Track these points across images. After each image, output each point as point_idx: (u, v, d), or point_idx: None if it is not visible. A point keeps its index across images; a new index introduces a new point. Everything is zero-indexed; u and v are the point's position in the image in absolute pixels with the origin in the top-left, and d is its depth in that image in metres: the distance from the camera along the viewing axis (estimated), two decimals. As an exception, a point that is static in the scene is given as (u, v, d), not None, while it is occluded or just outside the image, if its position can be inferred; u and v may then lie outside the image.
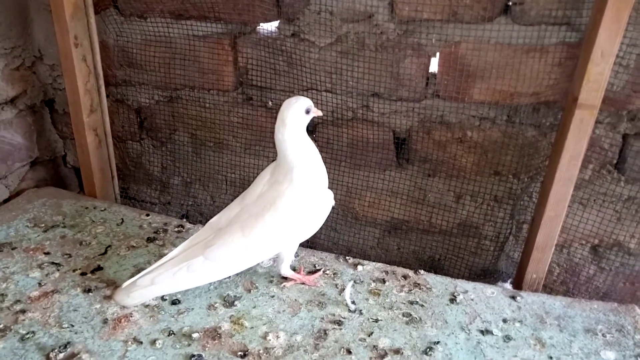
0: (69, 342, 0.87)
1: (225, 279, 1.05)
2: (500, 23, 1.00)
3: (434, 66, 1.09)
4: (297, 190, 0.95)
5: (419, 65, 1.08)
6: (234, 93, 1.24)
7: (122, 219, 1.23)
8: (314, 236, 1.34)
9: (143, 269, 1.05)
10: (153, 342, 0.89)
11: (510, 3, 0.98)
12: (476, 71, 1.04)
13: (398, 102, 1.13)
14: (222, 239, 0.95)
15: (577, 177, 0.98)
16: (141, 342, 0.89)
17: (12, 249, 1.11)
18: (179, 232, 1.20)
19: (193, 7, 1.15)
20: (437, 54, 1.06)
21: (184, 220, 1.27)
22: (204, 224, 1.18)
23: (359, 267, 1.11)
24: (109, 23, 1.23)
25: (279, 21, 1.14)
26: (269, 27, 1.16)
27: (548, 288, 1.20)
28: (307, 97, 1.17)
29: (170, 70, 1.24)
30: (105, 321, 0.93)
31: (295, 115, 0.94)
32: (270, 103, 1.22)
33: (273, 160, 1.27)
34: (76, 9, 1.12)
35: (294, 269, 1.08)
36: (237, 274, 1.06)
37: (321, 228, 1.32)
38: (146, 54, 1.23)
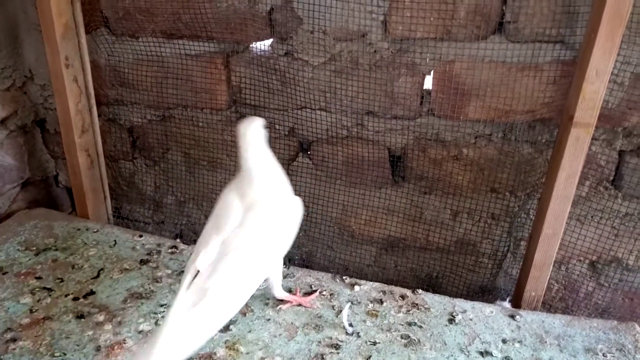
0: (60, 372, 0.86)
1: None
2: (494, 41, 1.00)
3: (428, 84, 1.09)
4: (271, 202, 0.92)
5: (413, 83, 1.07)
6: (227, 112, 1.23)
7: (115, 240, 1.21)
8: (311, 255, 1.34)
9: (136, 293, 1.04)
10: (147, 370, 0.87)
11: (504, 21, 0.98)
12: (471, 89, 1.04)
13: (393, 120, 1.12)
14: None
15: (574, 194, 0.98)
16: (135, 371, 0.87)
17: (3, 273, 1.09)
18: (172, 252, 1.18)
19: (185, 26, 1.14)
20: (432, 72, 1.06)
21: (178, 240, 1.26)
22: (192, 245, 1.18)
23: (356, 287, 1.10)
24: (100, 43, 1.22)
25: (272, 40, 1.13)
26: (262, 46, 1.15)
27: (547, 305, 1.19)
28: (301, 115, 1.17)
29: (162, 89, 1.23)
30: (98, 348, 0.91)
31: (257, 132, 0.94)
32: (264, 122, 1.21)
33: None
34: (67, 29, 1.11)
35: (289, 291, 1.07)
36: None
37: (317, 247, 1.32)
38: (138, 73, 1.22)
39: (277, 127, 1.20)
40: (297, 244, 1.33)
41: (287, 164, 1.24)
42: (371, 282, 1.12)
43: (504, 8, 0.97)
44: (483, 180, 1.12)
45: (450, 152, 1.11)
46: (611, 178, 1.06)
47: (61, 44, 1.10)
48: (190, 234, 1.39)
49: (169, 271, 1.12)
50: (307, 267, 1.19)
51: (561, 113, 0.99)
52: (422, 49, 1.04)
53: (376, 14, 1.02)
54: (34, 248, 1.17)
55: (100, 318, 0.98)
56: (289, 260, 1.20)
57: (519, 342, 0.97)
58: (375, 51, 1.06)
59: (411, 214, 1.20)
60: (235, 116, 1.23)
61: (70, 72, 1.14)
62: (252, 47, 1.15)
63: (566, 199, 0.99)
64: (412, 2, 0.99)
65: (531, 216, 1.12)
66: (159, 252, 1.18)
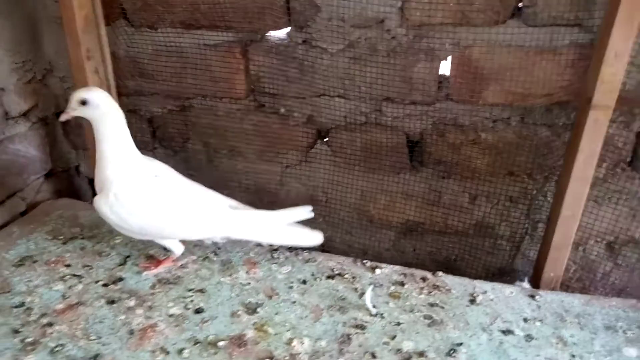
0: (97, 354, 0.89)
1: (245, 285, 1.07)
2: (512, 26, 1.01)
3: (445, 69, 1.10)
4: None
5: (431, 69, 1.08)
6: (246, 100, 1.24)
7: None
8: (329, 240, 1.36)
9: (164, 279, 1.07)
10: (180, 351, 0.90)
11: (522, 6, 0.99)
12: (489, 74, 1.05)
13: (411, 106, 1.13)
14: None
15: (592, 176, 0.99)
16: (168, 352, 0.90)
17: (34, 262, 1.12)
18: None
19: (203, 16, 1.15)
20: (449, 58, 1.07)
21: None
22: None
23: (377, 271, 1.13)
24: (119, 34, 1.23)
25: (289, 28, 1.14)
26: (280, 34, 1.16)
27: (564, 285, 1.21)
28: (319, 103, 1.19)
29: (181, 79, 1.25)
30: (131, 332, 0.94)
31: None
32: (283, 110, 1.22)
33: (287, 166, 1.30)
34: (87, 21, 1.13)
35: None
36: (257, 281, 1.08)
37: (336, 232, 1.34)
38: (157, 64, 1.24)
39: (295, 114, 1.22)
40: (316, 230, 1.35)
41: (306, 151, 1.26)
42: (391, 265, 1.15)
43: (521, -8, 0.98)
44: (501, 164, 1.14)
45: (468, 137, 1.13)
46: (628, 159, 1.07)
47: (82, 36, 1.12)
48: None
49: (194, 257, 1.15)
50: (326, 252, 1.21)
51: (579, 96, 1.00)
52: (440, 35, 1.05)
53: (394, 1, 1.04)
54: (62, 237, 1.20)
55: (131, 303, 1.01)
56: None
57: (539, 320, 0.99)
58: (393, 37, 1.07)
59: (429, 199, 1.22)
60: (253, 105, 1.25)
61: (92, 64, 1.16)
62: (270, 36, 1.17)
63: (584, 181, 1.00)
64: (430, -12, 1.00)
65: (549, 198, 1.14)
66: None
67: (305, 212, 1.10)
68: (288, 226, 1.12)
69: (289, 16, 1.12)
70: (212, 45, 1.19)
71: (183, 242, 1.11)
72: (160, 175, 1.08)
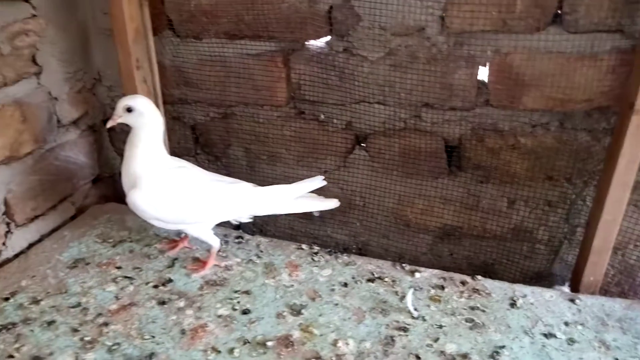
0: (152, 353, 0.93)
1: (289, 287, 1.10)
2: (552, 33, 1.02)
3: (483, 75, 1.12)
4: None
5: (471, 75, 1.10)
6: (286, 108, 1.28)
7: (184, 232, 1.28)
8: (366, 244, 1.39)
9: (210, 280, 1.11)
10: (231, 350, 0.94)
11: (562, 13, 1.00)
12: (529, 80, 1.07)
13: (449, 112, 1.15)
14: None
15: (633, 180, 1.00)
16: (220, 352, 0.94)
17: (86, 264, 1.17)
18: (239, 242, 1.25)
19: (247, 27, 1.19)
20: (489, 64, 1.09)
21: (240, 231, 1.33)
22: (257, 235, 1.29)
23: (417, 274, 1.15)
24: (166, 45, 1.28)
25: (330, 37, 1.17)
26: (320, 43, 1.19)
27: (602, 290, 1.21)
28: (358, 109, 1.22)
29: (225, 87, 1.29)
30: (183, 332, 0.98)
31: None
32: (322, 116, 1.25)
33: (325, 171, 1.33)
34: (137, 33, 1.18)
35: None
36: (299, 283, 1.12)
37: (373, 236, 1.37)
38: (201, 73, 1.29)
39: (334, 121, 1.25)
40: (353, 234, 1.39)
41: (344, 156, 1.29)
42: (430, 269, 1.17)
43: (561, 0, 0.99)
44: (540, 169, 1.15)
45: (507, 142, 1.14)
46: (669, 164, 1.08)
47: (132, 47, 1.17)
48: (249, 225, 1.45)
49: (239, 259, 1.19)
50: (362, 255, 1.24)
51: (620, 101, 1.01)
52: (480, 42, 1.07)
53: (434, 9, 1.06)
54: (111, 240, 1.25)
55: (181, 304, 1.05)
56: (344, 249, 1.26)
57: (581, 324, 1.00)
58: (433, 45, 1.10)
59: (467, 203, 1.24)
60: (293, 112, 1.28)
61: (140, 74, 1.21)
62: (311, 45, 1.20)
63: (626, 185, 1.01)
64: (470, -3, 1.02)
65: (588, 203, 1.14)
66: (226, 242, 1.24)
67: (318, 181, 1.16)
68: (306, 197, 1.18)
69: (330, 25, 1.15)
70: (255, 54, 1.23)
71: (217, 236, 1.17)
72: (185, 167, 1.15)
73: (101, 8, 1.30)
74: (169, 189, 1.09)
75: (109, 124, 1.05)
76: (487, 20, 1.03)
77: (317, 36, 1.18)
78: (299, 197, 1.17)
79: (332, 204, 1.19)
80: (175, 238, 1.26)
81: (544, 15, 1.00)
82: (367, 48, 1.14)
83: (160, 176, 1.08)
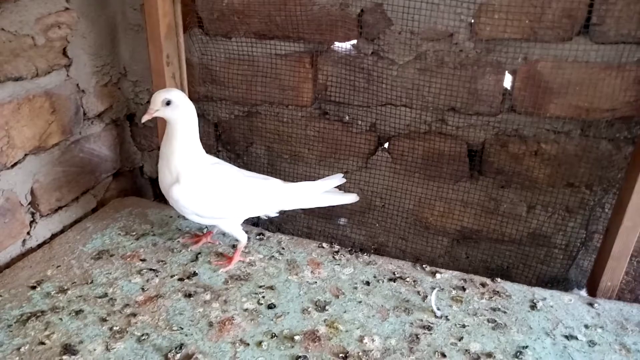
0: (182, 344, 0.94)
1: (312, 284, 1.12)
2: (579, 43, 1.05)
3: (508, 81, 1.14)
4: None
5: (497, 81, 1.13)
6: (311, 108, 1.30)
7: (207, 227, 1.29)
8: (383, 245, 1.40)
9: (235, 275, 1.13)
10: (259, 343, 0.95)
11: (590, 24, 1.03)
12: (554, 87, 1.09)
13: (474, 117, 1.18)
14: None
15: (654, 188, 1.02)
16: (248, 344, 0.95)
17: (111, 255, 1.18)
18: (260, 239, 1.27)
19: (277, 27, 1.21)
20: (515, 71, 1.11)
21: (259, 227, 1.34)
22: (275, 232, 1.31)
23: (437, 275, 1.17)
24: (194, 42, 1.30)
25: (358, 40, 1.19)
26: (349, 45, 1.21)
27: (617, 296, 1.24)
28: (383, 111, 1.24)
29: (250, 86, 1.31)
30: (210, 324, 0.99)
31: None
32: (347, 117, 1.27)
33: (346, 172, 1.35)
34: (169, 29, 1.19)
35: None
36: (322, 280, 1.13)
37: (390, 237, 1.38)
38: (229, 71, 1.30)
39: (359, 122, 1.27)
40: (371, 234, 1.40)
41: (366, 158, 1.31)
42: (450, 271, 1.19)
43: (590, 11, 1.02)
44: (561, 175, 1.17)
45: (529, 148, 1.16)
46: (688, 174, 1.10)
47: (164, 43, 1.18)
48: (266, 223, 1.47)
49: (261, 256, 1.21)
50: (380, 255, 1.25)
51: (644, 111, 1.04)
52: (508, 49, 1.09)
53: (464, 16, 1.08)
54: (134, 233, 1.26)
55: (207, 297, 1.06)
56: (361, 249, 1.27)
57: (600, 327, 1.03)
58: (461, 50, 1.12)
59: (487, 207, 1.26)
60: (318, 112, 1.30)
61: (170, 70, 1.22)
62: (339, 47, 1.22)
63: (647, 193, 1.03)
64: (501, 5, 1.04)
65: (606, 210, 1.17)
66: (248, 239, 1.25)
67: (339, 179, 1.22)
68: (328, 193, 1.22)
69: (360, 28, 1.17)
70: (283, 55, 1.25)
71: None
72: (220, 163, 1.18)
73: (131, 4, 1.32)
74: (210, 185, 1.11)
75: (145, 118, 1.06)
76: (517, 29, 1.06)
77: (347, 39, 1.20)
78: (322, 192, 1.21)
79: (352, 198, 1.24)
80: (197, 233, 1.27)
81: (573, 26, 1.03)
82: (396, 52, 1.16)
83: (201, 172, 1.10)
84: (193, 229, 1.29)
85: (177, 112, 1.06)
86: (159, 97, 1.04)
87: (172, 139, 1.08)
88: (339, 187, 1.25)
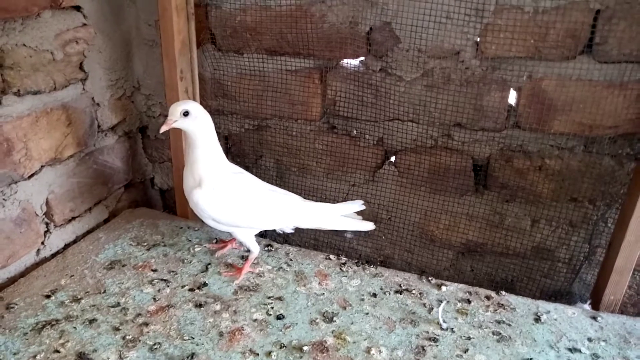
0: (193, 353, 0.96)
1: (320, 295, 1.14)
2: (582, 61, 1.08)
3: (512, 98, 1.17)
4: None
5: (502, 98, 1.16)
6: (319, 122, 1.33)
7: (216, 239, 1.32)
8: (389, 257, 1.43)
9: (244, 286, 1.15)
10: (268, 354, 0.97)
11: (593, 43, 1.06)
12: (557, 105, 1.12)
13: (479, 132, 1.20)
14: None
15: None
16: (257, 354, 0.97)
17: (123, 266, 1.21)
18: (269, 250, 1.29)
19: (288, 44, 1.25)
20: (521, 88, 1.14)
21: (267, 239, 1.37)
22: (283, 244, 1.34)
23: (443, 288, 1.18)
24: (207, 58, 1.33)
25: (367, 57, 1.23)
26: (357, 62, 1.25)
27: (620, 309, 1.25)
28: (390, 126, 1.27)
29: (261, 101, 1.34)
30: (221, 334, 1.01)
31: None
32: (355, 132, 1.30)
33: (353, 185, 1.37)
34: (183, 45, 1.23)
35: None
36: (330, 292, 1.15)
37: (396, 250, 1.41)
38: (240, 86, 1.34)
39: (366, 137, 1.30)
40: (377, 247, 1.43)
41: (373, 171, 1.34)
42: (456, 284, 1.20)
43: (593, 31, 1.05)
44: (564, 190, 1.19)
45: (533, 163, 1.19)
46: (690, 190, 1.12)
47: (178, 58, 1.22)
48: (274, 234, 1.49)
49: (269, 267, 1.23)
50: (385, 267, 1.28)
51: (646, 128, 1.07)
52: (513, 67, 1.12)
53: (471, 35, 1.11)
54: (145, 244, 1.29)
55: (217, 307, 1.08)
56: (367, 261, 1.29)
57: (604, 341, 1.04)
58: (467, 68, 1.15)
59: (492, 221, 1.28)
60: (326, 126, 1.33)
61: (183, 84, 1.26)
62: (348, 64, 1.25)
63: (650, 208, 1.06)
64: (507, 25, 1.08)
65: (609, 225, 1.19)
66: (256, 250, 1.28)
67: (358, 205, 1.24)
68: (346, 217, 1.24)
69: (368, 46, 1.20)
70: (293, 70, 1.28)
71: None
72: (243, 173, 1.21)
73: (146, 20, 1.36)
74: (230, 192, 1.14)
75: (164, 128, 1.09)
76: (522, 47, 1.09)
77: (355, 55, 1.23)
78: (340, 215, 1.23)
79: (369, 226, 1.24)
80: (223, 239, 1.31)
81: (576, 45, 1.06)
82: (404, 69, 1.19)
83: (222, 180, 1.14)
84: (203, 240, 1.31)
85: (195, 122, 1.09)
86: (178, 108, 1.07)
87: (194, 148, 1.11)
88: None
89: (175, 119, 1.08)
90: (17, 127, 1.11)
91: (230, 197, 1.13)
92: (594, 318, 1.11)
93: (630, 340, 1.04)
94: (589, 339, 1.04)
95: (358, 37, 1.20)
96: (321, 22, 1.20)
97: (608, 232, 1.19)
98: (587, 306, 1.20)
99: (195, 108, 1.09)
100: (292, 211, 1.19)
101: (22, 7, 1.07)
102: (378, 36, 1.18)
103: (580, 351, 1.01)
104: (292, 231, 1.24)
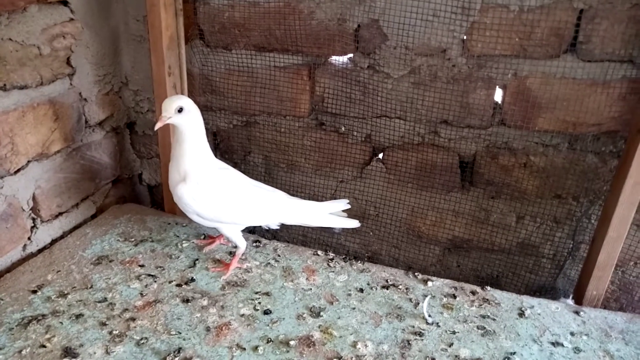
0: (180, 348, 0.96)
1: (307, 290, 1.15)
2: (567, 60, 1.09)
3: (498, 96, 1.19)
4: None
5: (488, 96, 1.17)
6: (308, 119, 1.34)
7: (204, 234, 1.32)
8: (376, 253, 1.44)
9: (232, 282, 1.15)
10: (255, 348, 0.98)
11: (577, 42, 1.07)
12: (542, 102, 1.13)
13: (466, 129, 1.22)
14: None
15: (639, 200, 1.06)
16: (244, 349, 0.98)
17: (110, 261, 1.20)
18: (257, 246, 1.30)
19: (277, 41, 1.25)
20: (506, 86, 1.15)
21: (255, 235, 1.37)
22: (271, 240, 1.34)
23: (429, 283, 1.20)
24: (196, 53, 1.33)
25: (355, 54, 1.23)
26: (345, 59, 1.25)
27: (602, 305, 1.27)
28: (378, 123, 1.28)
29: (249, 97, 1.34)
30: (208, 329, 1.02)
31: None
32: (343, 128, 1.31)
33: (341, 181, 1.38)
34: (171, 41, 1.23)
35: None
36: (317, 287, 1.16)
37: (383, 246, 1.42)
38: (228, 82, 1.34)
39: (354, 133, 1.31)
40: (364, 242, 1.44)
41: (361, 168, 1.35)
42: (442, 279, 1.22)
43: (577, 30, 1.06)
44: (549, 187, 1.21)
45: (518, 160, 1.20)
46: (671, 187, 1.15)
47: (166, 54, 1.22)
48: (262, 230, 1.50)
49: (257, 262, 1.23)
50: (373, 263, 1.29)
51: (628, 126, 1.08)
52: (498, 65, 1.13)
53: (457, 33, 1.13)
54: (132, 239, 1.29)
55: (204, 302, 1.09)
56: (355, 257, 1.30)
57: (585, 335, 1.06)
58: (453, 65, 1.16)
59: (478, 217, 1.30)
60: (314, 123, 1.34)
61: (171, 80, 1.26)
62: (336, 60, 1.26)
63: (632, 205, 1.07)
64: (492, 23, 1.09)
65: (593, 221, 1.21)
66: (245, 246, 1.29)
67: (344, 204, 1.25)
68: (331, 214, 1.25)
69: (356, 43, 1.21)
70: (282, 67, 1.29)
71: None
72: (228, 169, 1.21)
73: (134, 15, 1.35)
74: (214, 188, 1.14)
75: (158, 125, 1.08)
76: (507, 46, 1.10)
77: (343, 52, 1.24)
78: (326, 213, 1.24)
79: (354, 223, 1.25)
80: (211, 235, 1.31)
81: (560, 44, 1.07)
82: (391, 66, 1.20)
83: (207, 175, 1.14)
84: (190, 236, 1.31)
85: (188, 118, 1.09)
86: (172, 104, 1.07)
87: (182, 143, 1.11)
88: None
89: (169, 115, 1.07)
90: (3, 122, 1.11)
91: (214, 192, 1.14)
92: (577, 313, 1.12)
93: (611, 334, 1.06)
94: (572, 333, 1.06)
95: (346, 34, 1.20)
96: (309, 18, 1.21)
97: (591, 228, 1.21)
98: (570, 301, 1.22)
99: (188, 103, 1.09)
100: (276, 208, 1.20)
101: (8, 1, 1.06)
102: (366, 33, 1.19)
103: (562, 345, 1.02)
104: (278, 227, 1.24)
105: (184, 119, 1.09)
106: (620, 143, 1.13)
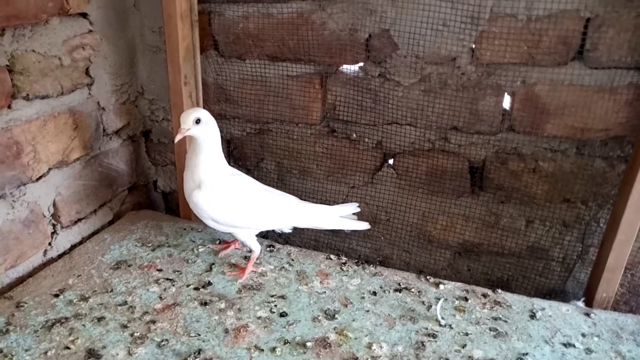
0: (200, 349, 0.99)
1: (321, 293, 1.17)
2: (574, 67, 1.12)
3: (507, 103, 1.21)
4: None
5: (497, 102, 1.20)
6: (319, 126, 1.37)
7: (219, 239, 1.35)
8: (388, 257, 1.46)
9: (247, 285, 1.18)
10: (273, 349, 1.00)
11: (584, 50, 1.10)
12: (550, 109, 1.16)
13: (475, 135, 1.24)
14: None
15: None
16: (262, 350, 1.00)
17: (129, 266, 1.23)
18: (271, 251, 1.32)
19: (289, 51, 1.29)
20: (515, 93, 1.18)
21: (269, 239, 1.40)
22: (284, 244, 1.36)
23: (441, 286, 1.22)
24: (210, 63, 1.37)
25: (366, 63, 1.26)
26: (357, 67, 1.28)
27: (612, 307, 1.29)
28: (389, 130, 1.31)
29: (263, 105, 1.37)
30: (226, 331, 1.04)
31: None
32: (354, 135, 1.34)
33: (353, 187, 1.41)
34: (187, 51, 1.26)
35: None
36: (331, 290, 1.19)
37: (394, 250, 1.44)
38: (242, 91, 1.37)
39: (365, 140, 1.34)
40: (376, 247, 1.46)
41: (372, 173, 1.37)
42: (453, 282, 1.24)
43: (584, 38, 1.09)
44: (558, 191, 1.23)
45: (527, 165, 1.23)
46: (678, 191, 1.17)
47: (182, 64, 1.25)
48: (274, 235, 1.52)
49: (272, 267, 1.26)
50: (384, 266, 1.31)
51: (635, 131, 1.11)
52: (507, 73, 1.16)
53: (467, 42, 1.16)
54: (150, 244, 1.32)
55: (222, 305, 1.11)
56: (366, 261, 1.33)
57: (597, 336, 1.08)
58: (463, 73, 1.19)
59: (488, 221, 1.32)
60: (326, 130, 1.37)
61: (187, 89, 1.29)
62: (348, 69, 1.29)
63: (639, 208, 1.09)
64: (501, 32, 1.12)
65: (601, 225, 1.23)
66: (259, 250, 1.31)
67: (353, 207, 1.30)
68: (342, 217, 1.28)
69: (367, 52, 1.24)
70: (294, 76, 1.32)
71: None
72: (241, 175, 1.25)
73: (150, 26, 1.39)
74: (228, 193, 1.17)
75: (178, 137, 1.11)
76: (516, 54, 1.13)
77: (354, 61, 1.27)
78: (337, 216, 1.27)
79: (364, 225, 1.28)
80: (226, 240, 1.34)
81: (568, 52, 1.10)
82: (402, 74, 1.23)
83: (221, 181, 1.17)
84: (206, 241, 1.34)
85: (205, 129, 1.13)
86: (190, 116, 1.10)
87: (198, 153, 1.14)
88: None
89: (188, 127, 1.10)
90: (26, 131, 1.14)
91: (228, 197, 1.17)
92: (587, 315, 1.14)
93: (622, 336, 1.08)
94: (583, 335, 1.08)
95: (357, 44, 1.23)
96: (322, 29, 1.24)
97: (600, 231, 1.23)
98: (580, 303, 1.24)
99: (206, 115, 1.13)
100: (288, 211, 1.23)
101: (31, 14, 1.10)
102: (377, 43, 1.22)
103: (574, 346, 1.04)
104: (290, 230, 1.27)
105: (202, 130, 1.12)
106: (628, 148, 1.15)
